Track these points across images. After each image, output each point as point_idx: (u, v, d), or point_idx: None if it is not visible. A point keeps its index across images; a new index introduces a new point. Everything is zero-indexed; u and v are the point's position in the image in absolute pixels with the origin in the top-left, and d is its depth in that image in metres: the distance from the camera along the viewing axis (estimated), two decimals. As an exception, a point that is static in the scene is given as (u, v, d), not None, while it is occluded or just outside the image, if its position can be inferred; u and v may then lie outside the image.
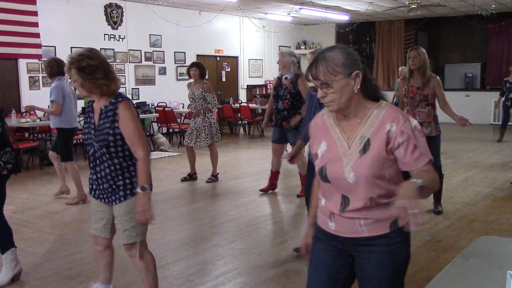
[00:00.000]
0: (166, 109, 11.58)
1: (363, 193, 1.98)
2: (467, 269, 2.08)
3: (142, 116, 10.52)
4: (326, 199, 2.14)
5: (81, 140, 10.26)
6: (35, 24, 10.34)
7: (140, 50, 12.91)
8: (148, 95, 12.88)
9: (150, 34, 13.07)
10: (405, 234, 2.06)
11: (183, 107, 12.55)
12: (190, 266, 4.20)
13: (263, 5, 13.43)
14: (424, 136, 2.00)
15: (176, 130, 11.77)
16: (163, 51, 13.45)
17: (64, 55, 12.29)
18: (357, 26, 16.17)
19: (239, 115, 13.20)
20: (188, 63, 14.01)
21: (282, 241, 4.86)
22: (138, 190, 2.87)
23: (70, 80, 5.62)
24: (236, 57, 15.76)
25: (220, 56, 15.19)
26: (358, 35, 17.90)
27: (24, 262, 4.18)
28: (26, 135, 9.61)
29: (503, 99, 11.30)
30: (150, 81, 13.22)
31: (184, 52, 13.95)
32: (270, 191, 6.78)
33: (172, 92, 13.21)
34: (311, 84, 2.13)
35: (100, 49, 11.87)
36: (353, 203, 2.01)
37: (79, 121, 10.91)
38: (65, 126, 6.10)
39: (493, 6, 13.13)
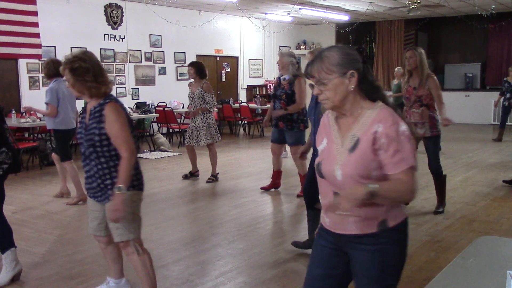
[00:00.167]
0: (166, 109, 11.58)
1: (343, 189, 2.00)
2: (467, 269, 2.08)
3: (142, 116, 10.54)
4: (321, 194, 2.19)
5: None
6: (35, 24, 10.34)
7: (140, 50, 12.91)
8: (148, 95, 12.88)
9: (150, 34, 13.07)
10: (397, 235, 2.08)
11: (183, 107, 12.54)
12: (190, 266, 4.20)
13: (263, 5, 13.43)
14: (412, 142, 1.97)
15: (176, 130, 11.77)
16: (163, 51, 13.45)
17: (64, 55, 12.31)
18: (357, 26, 16.17)
19: (239, 115, 13.20)
20: (188, 63, 14.08)
21: (282, 241, 4.85)
22: (115, 189, 2.95)
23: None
24: (236, 57, 15.76)
25: (220, 56, 15.19)
26: (358, 35, 17.89)
27: (24, 262, 4.18)
28: (26, 135, 9.61)
29: (502, 99, 11.31)
30: (150, 81, 13.22)
31: (184, 52, 13.95)
32: (273, 190, 6.79)
33: (172, 92, 13.21)
34: (309, 82, 2.17)
35: (100, 49, 11.90)
36: None
37: (79, 121, 10.94)
38: (60, 128, 6.13)
39: (493, 6, 13.13)
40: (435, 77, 5.37)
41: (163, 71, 13.47)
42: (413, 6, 12.11)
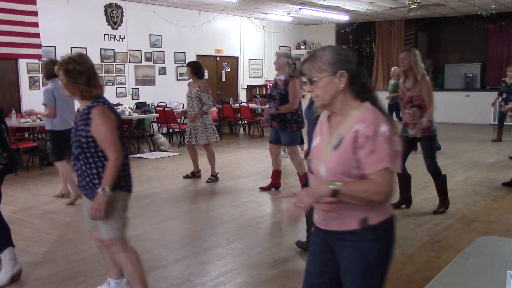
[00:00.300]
0: (166, 109, 11.58)
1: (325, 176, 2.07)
2: (467, 269, 2.08)
3: (142, 116, 10.54)
4: None
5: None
6: (35, 24, 10.34)
7: (140, 50, 12.91)
8: (148, 95, 12.88)
9: (150, 34, 13.07)
10: (379, 233, 2.10)
11: (183, 107, 12.54)
12: (190, 266, 4.20)
13: (263, 5, 13.43)
14: (392, 144, 1.98)
15: (176, 130, 11.77)
16: (163, 51, 13.45)
17: (60, 56, 12.33)
18: (357, 26, 16.16)
19: (239, 115, 13.20)
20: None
21: (282, 241, 4.85)
22: (99, 189, 3.05)
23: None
24: (236, 57, 15.76)
25: (220, 56, 15.19)
26: (358, 35, 17.89)
27: (24, 262, 4.19)
28: (26, 135, 9.61)
29: (499, 99, 11.31)
30: (150, 81, 13.22)
31: (184, 52, 13.95)
32: (273, 189, 6.79)
33: (172, 92, 13.21)
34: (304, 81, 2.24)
35: (100, 49, 11.90)
36: None
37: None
38: (56, 128, 6.16)
39: (493, 6, 13.13)
40: (427, 79, 5.36)
41: (163, 71, 13.47)
42: (413, 6, 12.11)
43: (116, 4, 12.23)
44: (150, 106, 11.99)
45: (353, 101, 2.09)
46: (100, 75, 11.98)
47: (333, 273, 2.22)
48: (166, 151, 10.34)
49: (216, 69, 15.21)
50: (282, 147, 6.86)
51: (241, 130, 13.96)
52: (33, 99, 9.77)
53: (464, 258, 2.19)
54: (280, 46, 17.05)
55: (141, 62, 12.96)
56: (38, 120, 8.85)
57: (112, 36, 12.23)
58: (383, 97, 11.41)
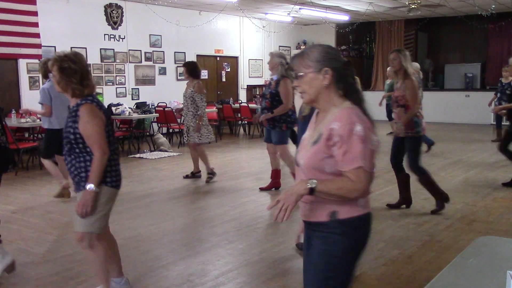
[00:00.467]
0: (166, 109, 11.57)
1: (304, 172, 2.17)
2: (467, 269, 2.08)
3: (142, 116, 10.53)
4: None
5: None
6: (35, 24, 10.34)
7: (140, 50, 12.91)
8: (148, 95, 12.88)
9: (150, 34, 13.07)
10: (346, 228, 2.14)
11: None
12: (190, 266, 4.20)
13: (263, 5, 13.43)
14: (365, 144, 2.03)
15: (176, 130, 11.77)
16: (163, 51, 13.45)
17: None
18: (357, 26, 16.16)
19: (239, 115, 13.20)
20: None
21: (282, 241, 4.85)
22: (86, 186, 3.12)
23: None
24: (236, 57, 15.76)
25: (220, 56, 15.19)
26: (358, 35, 17.90)
27: (24, 262, 4.19)
28: (26, 135, 9.61)
29: (495, 99, 11.32)
30: (150, 81, 13.22)
31: (184, 52, 13.95)
32: (273, 189, 6.79)
33: (172, 92, 13.21)
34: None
35: (100, 49, 11.91)
36: None
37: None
38: (54, 127, 6.21)
39: (493, 6, 13.13)
40: (413, 79, 5.37)
41: (163, 71, 13.47)
42: (413, 6, 12.12)
43: (116, 4, 12.23)
44: (150, 106, 11.99)
45: (338, 99, 2.16)
46: (100, 75, 12.03)
47: None
48: (166, 151, 10.34)
49: (216, 69, 15.21)
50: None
51: (241, 130, 13.96)
52: (33, 99, 9.75)
53: (464, 258, 2.19)
54: (280, 46, 17.05)
55: (141, 62, 12.96)
56: (38, 120, 8.86)
57: (112, 36, 12.23)
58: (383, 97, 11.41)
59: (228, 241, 4.82)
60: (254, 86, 16.42)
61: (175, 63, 13.74)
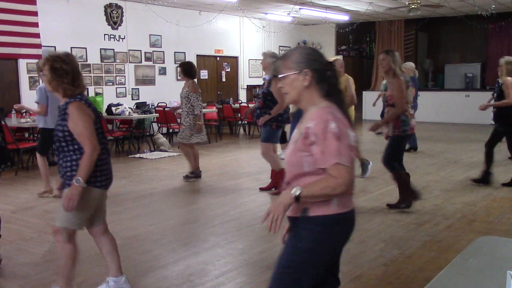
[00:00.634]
0: (166, 109, 11.58)
1: (287, 177, 2.27)
2: (467, 269, 2.08)
3: (142, 116, 10.53)
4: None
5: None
6: (35, 24, 10.34)
7: (140, 50, 12.91)
8: (148, 95, 12.89)
9: (150, 34, 13.07)
10: (313, 225, 2.18)
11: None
12: (190, 266, 4.19)
13: (263, 5, 13.43)
14: (339, 140, 2.09)
15: (176, 130, 11.74)
16: (163, 51, 13.45)
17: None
18: (357, 26, 16.17)
19: (239, 115, 13.20)
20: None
21: (282, 241, 4.85)
22: (73, 180, 3.16)
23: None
24: (236, 57, 15.76)
25: (220, 56, 15.19)
26: (358, 35, 17.90)
27: (24, 262, 4.19)
28: (26, 135, 9.61)
29: (492, 100, 11.29)
30: (150, 81, 13.22)
31: (184, 52, 13.96)
32: (273, 189, 6.79)
33: (172, 92, 13.19)
34: None
35: (100, 49, 11.91)
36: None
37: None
38: (49, 126, 6.28)
39: (493, 6, 13.13)
40: (401, 79, 5.41)
41: (163, 71, 13.47)
42: (413, 6, 12.11)
43: (116, 4, 12.23)
44: (150, 106, 11.99)
45: (319, 99, 2.22)
46: (100, 75, 12.03)
47: None
48: (166, 151, 10.33)
49: (216, 69, 15.21)
50: (280, 146, 6.91)
51: (241, 130, 13.96)
52: (33, 99, 9.66)
53: (464, 258, 2.19)
54: (280, 46, 17.05)
55: (141, 62, 12.96)
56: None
57: (112, 36, 12.23)
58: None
59: (228, 241, 4.82)
60: (254, 86, 16.41)
61: (175, 63, 13.73)
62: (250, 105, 13.16)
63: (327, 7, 13.72)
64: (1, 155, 4.20)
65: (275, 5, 13.37)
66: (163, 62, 13.48)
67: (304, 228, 2.21)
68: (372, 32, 18.22)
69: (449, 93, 15.94)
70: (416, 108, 10.02)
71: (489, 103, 7.40)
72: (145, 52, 13.01)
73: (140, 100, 12.58)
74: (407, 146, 9.76)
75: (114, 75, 12.38)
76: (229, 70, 15.56)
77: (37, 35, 10.37)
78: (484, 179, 7.00)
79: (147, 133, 11.30)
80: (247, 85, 16.16)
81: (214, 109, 12.94)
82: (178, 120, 11.68)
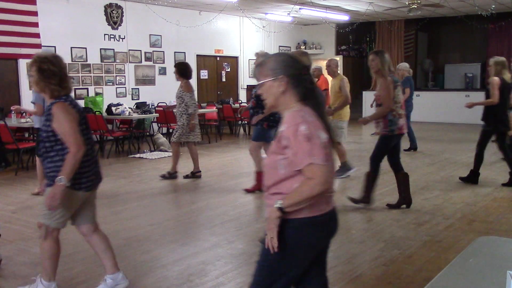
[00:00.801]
0: (167, 109, 11.56)
1: (266, 180, 2.32)
2: (467, 269, 2.08)
3: (142, 116, 10.53)
4: None
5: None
6: (35, 24, 10.35)
7: (140, 50, 12.91)
8: (148, 95, 12.88)
9: (150, 34, 13.07)
10: (287, 228, 2.23)
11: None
12: (190, 266, 4.19)
13: (263, 5, 13.44)
14: (310, 141, 2.13)
15: (176, 130, 11.76)
16: (163, 51, 13.45)
17: (64, 55, 12.23)
18: (357, 26, 16.17)
19: (239, 115, 13.18)
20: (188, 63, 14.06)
21: (282, 241, 4.85)
22: (56, 179, 3.18)
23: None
24: (236, 57, 15.76)
25: (220, 56, 15.19)
26: (358, 35, 17.90)
27: (24, 262, 4.19)
28: (26, 135, 9.61)
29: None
30: (150, 81, 13.22)
31: (184, 52, 13.96)
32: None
33: (172, 92, 13.03)
34: None
35: (100, 49, 11.91)
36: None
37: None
38: None
39: (493, 6, 13.13)
40: (388, 79, 5.44)
41: (163, 71, 13.47)
42: (413, 6, 12.11)
43: (116, 4, 12.23)
44: (150, 106, 11.98)
45: (295, 104, 2.27)
46: (100, 75, 12.03)
47: None
48: (166, 151, 10.33)
49: (216, 69, 15.21)
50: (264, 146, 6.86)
51: (241, 130, 13.96)
52: (33, 99, 9.76)
53: (464, 258, 2.19)
54: (280, 46, 17.06)
55: (141, 62, 12.96)
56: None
57: (112, 36, 12.23)
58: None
59: (228, 241, 4.82)
60: (254, 86, 16.38)
61: (175, 63, 13.72)
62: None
63: (327, 7, 13.72)
64: None
65: (275, 5, 13.37)
66: (163, 62, 13.48)
67: (280, 230, 2.24)
68: (372, 32, 18.21)
69: (449, 93, 15.94)
70: (411, 108, 10.09)
71: (474, 102, 7.43)
72: (145, 52, 13.01)
73: (140, 100, 12.58)
74: (407, 146, 9.87)
75: (114, 75, 12.38)
76: (229, 70, 15.56)
77: (37, 35, 10.37)
78: (472, 179, 7.07)
79: (147, 133, 11.30)
80: (247, 85, 16.15)
81: (214, 109, 12.93)
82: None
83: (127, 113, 10.18)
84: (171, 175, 7.68)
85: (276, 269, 2.29)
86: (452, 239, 4.78)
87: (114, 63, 12.33)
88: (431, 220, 5.40)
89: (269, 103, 2.32)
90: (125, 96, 12.53)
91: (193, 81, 14.20)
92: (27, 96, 10.46)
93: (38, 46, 10.36)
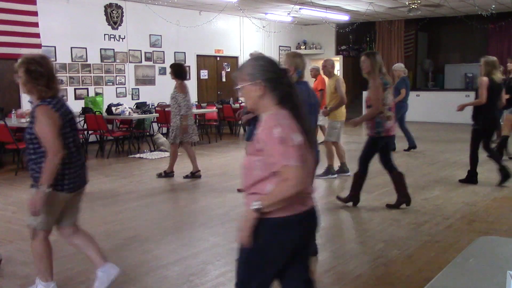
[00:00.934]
0: (166, 109, 11.57)
1: (244, 181, 2.38)
2: (467, 269, 2.08)
3: (142, 116, 10.53)
4: None
5: (80, 140, 10.26)
6: (35, 24, 10.35)
7: (140, 50, 12.91)
8: (148, 95, 12.88)
9: (150, 34, 13.07)
10: (260, 227, 2.28)
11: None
12: (190, 266, 4.20)
13: (263, 5, 13.44)
14: (283, 144, 2.18)
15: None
16: (163, 51, 13.45)
17: (64, 55, 12.28)
18: (357, 26, 16.17)
19: (237, 117, 13.18)
20: (188, 63, 14.08)
21: (282, 241, 4.85)
22: (37, 187, 3.21)
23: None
24: (236, 57, 15.75)
25: (220, 56, 15.19)
26: (358, 35, 17.89)
27: (24, 262, 4.19)
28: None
29: None
30: (150, 81, 13.22)
31: (184, 52, 13.96)
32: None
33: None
34: None
35: (100, 49, 11.91)
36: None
37: (79, 121, 10.93)
38: None
39: (493, 6, 13.13)
40: (377, 81, 5.46)
41: (163, 71, 13.46)
42: (413, 6, 12.12)
43: (116, 4, 12.24)
44: (150, 106, 11.98)
45: (273, 107, 2.32)
46: (100, 75, 12.03)
47: None
48: (166, 151, 10.32)
49: (216, 69, 15.21)
50: None
51: (241, 130, 13.96)
52: (33, 99, 9.76)
53: (464, 258, 2.19)
54: (280, 46, 17.06)
55: (141, 62, 12.97)
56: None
57: (112, 36, 12.23)
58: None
59: (228, 241, 4.81)
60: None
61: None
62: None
63: (327, 7, 13.72)
64: None
65: (275, 5, 13.37)
66: (163, 62, 13.48)
67: (256, 229, 2.31)
68: (372, 32, 18.21)
69: (449, 93, 15.93)
70: (406, 109, 10.13)
71: (464, 103, 7.47)
72: (145, 52, 13.01)
73: (140, 100, 12.58)
74: (406, 147, 9.88)
75: (114, 75, 12.38)
76: (229, 70, 15.56)
77: (37, 35, 10.37)
78: (471, 179, 7.08)
79: (147, 133, 11.30)
80: (247, 85, 16.15)
81: (214, 109, 12.93)
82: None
83: (127, 113, 10.18)
84: (167, 174, 7.72)
85: (252, 266, 2.37)
86: (452, 239, 4.78)
87: (114, 63, 12.33)
88: (431, 220, 5.40)
89: (249, 106, 2.39)
90: (125, 96, 12.53)
91: (193, 81, 14.30)
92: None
93: (38, 46, 10.36)
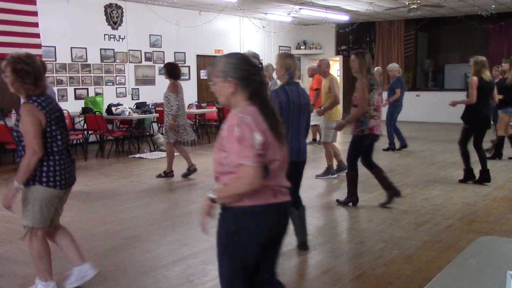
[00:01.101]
0: (157, 108, 11.56)
1: (214, 171, 2.44)
2: (467, 269, 2.08)
3: (142, 116, 10.53)
4: None
5: (80, 140, 10.27)
6: (35, 24, 10.34)
7: (140, 50, 12.91)
8: (148, 95, 12.88)
9: (150, 34, 13.07)
10: (227, 214, 2.40)
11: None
12: (190, 266, 4.20)
13: (263, 5, 13.44)
14: (241, 143, 2.23)
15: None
16: (163, 51, 13.45)
17: (64, 55, 12.25)
18: (357, 26, 16.17)
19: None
20: (188, 63, 14.08)
21: (282, 241, 4.85)
22: (11, 181, 3.32)
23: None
24: (236, 57, 15.74)
25: (220, 56, 15.18)
26: (358, 35, 17.89)
27: (24, 262, 4.19)
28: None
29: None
30: (150, 81, 13.22)
31: (184, 52, 13.96)
32: None
33: (172, 92, 13.19)
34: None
35: (100, 49, 11.91)
36: None
37: (79, 121, 10.92)
38: None
39: (493, 6, 13.13)
40: (364, 81, 5.51)
41: (163, 71, 13.45)
42: (413, 6, 12.11)
43: (116, 4, 12.24)
44: (150, 106, 11.98)
45: (243, 102, 2.38)
46: (100, 75, 12.03)
47: None
48: (166, 151, 10.32)
49: (216, 69, 15.19)
50: None
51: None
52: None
53: (464, 258, 2.19)
54: (280, 46, 17.05)
55: (141, 62, 12.96)
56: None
57: (112, 36, 12.23)
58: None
59: (228, 241, 4.81)
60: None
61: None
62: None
63: (327, 7, 13.72)
64: None
65: (275, 5, 13.37)
66: (163, 62, 13.45)
67: (223, 216, 2.43)
68: (372, 32, 18.20)
69: (449, 93, 15.90)
70: (400, 109, 10.20)
71: (456, 100, 7.54)
72: (145, 52, 13.01)
73: (140, 100, 12.57)
74: (397, 146, 9.94)
75: (114, 75, 12.38)
76: (229, 70, 15.55)
77: (37, 35, 10.37)
78: (469, 176, 7.12)
79: (147, 133, 11.30)
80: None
81: (214, 109, 12.93)
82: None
83: (127, 113, 10.18)
84: (167, 174, 7.73)
85: (230, 258, 2.43)
86: (452, 239, 4.78)
87: (114, 63, 12.32)
88: (431, 220, 5.41)
89: (222, 102, 2.44)
90: (125, 96, 12.53)
91: (193, 81, 14.31)
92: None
93: (38, 46, 10.36)
